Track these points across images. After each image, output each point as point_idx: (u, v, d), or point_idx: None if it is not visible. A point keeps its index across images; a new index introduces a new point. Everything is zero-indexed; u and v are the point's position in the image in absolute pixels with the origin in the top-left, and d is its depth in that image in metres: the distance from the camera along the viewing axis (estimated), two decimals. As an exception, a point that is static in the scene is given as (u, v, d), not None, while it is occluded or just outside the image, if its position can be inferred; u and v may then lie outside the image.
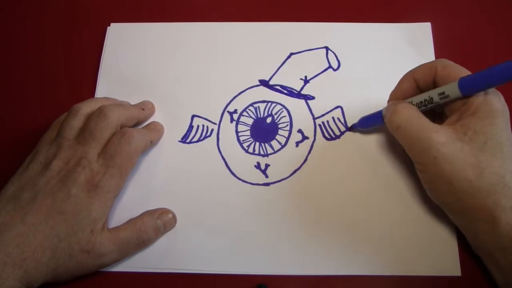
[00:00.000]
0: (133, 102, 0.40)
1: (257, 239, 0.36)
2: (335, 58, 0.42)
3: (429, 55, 0.42)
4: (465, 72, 0.32)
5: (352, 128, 0.39)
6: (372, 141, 0.39)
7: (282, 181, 0.38)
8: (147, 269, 0.35)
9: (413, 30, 0.43)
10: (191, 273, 0.35)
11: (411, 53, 0.42)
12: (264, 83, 0.42)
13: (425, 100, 0.33)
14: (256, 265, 0.35)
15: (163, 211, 0.36)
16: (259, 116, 0.41)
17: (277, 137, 0.40)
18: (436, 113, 0.35)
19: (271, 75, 0.42)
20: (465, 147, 0.30)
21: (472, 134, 0.30)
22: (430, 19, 0.44)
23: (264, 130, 0.40)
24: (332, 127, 0.40)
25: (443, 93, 0.32)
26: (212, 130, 0.40)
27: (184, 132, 0.40)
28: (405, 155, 0.37)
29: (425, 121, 0.32)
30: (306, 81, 0.42)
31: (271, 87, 0.41)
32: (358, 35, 0.43)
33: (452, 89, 0.31)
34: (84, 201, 0.32)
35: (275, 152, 0.39)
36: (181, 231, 0.36)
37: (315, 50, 0.43)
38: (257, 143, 0.39)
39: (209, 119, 0.40)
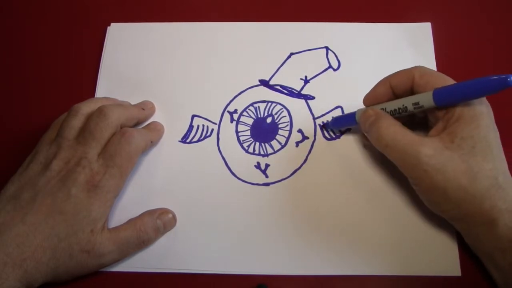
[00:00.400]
0: (133, 102, 0.40)
1: (257, 239, 0.36)
2: (335, 58, 0.42)
3: (429, 55, 0.42)
4: (443, 80, 0.32)
5: (324, 126, 0.39)
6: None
7: (282, 181, 0.38)
8: (147, 269, 0.35)
9: (413, 30, 0.43)
10: (191, 273, 0.35)
11: (411, 53, 0.42)
12: (264, 83, 0.42)
13: (399, 108, 0.33)
14: (256, 265, 0.35)
15: (163, 211, 0.36)
16: (259, 116, 0.41)
17: (277, 137, 0.40)
18: (418, 118, 0.35)
19: (271, 75, 0.42)
20: (454, 155, 0.30)
21: (460, 141, 0.30)
22: (430, 19, 0.44)
23: (264, 130, 0.40)
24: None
25: (417, 103, 0.32)
26: (212, 130, 0.40)
27: (184, 132, 0.40)
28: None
29: (410, 136, 0.31)
30: (306, 81, 0.42)
31: (271, 87, 0.41)
32: (358, 35, 0.43)
33: (426, 100, 0.31)
34: (84, 201, 0.32)
35: (275, 152, 0.39)
36: (181, 231, 0.36)
37: (315, 50, 0.43)
38: (257, 143, 0.39)
39: (209, 119, 0.40)
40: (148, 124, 0.40)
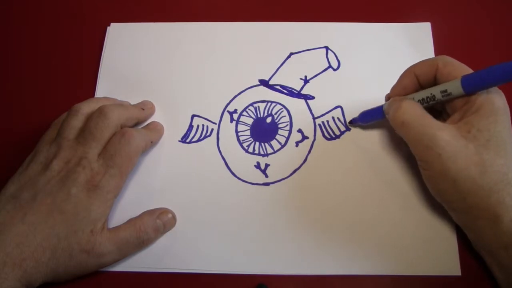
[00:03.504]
0: (133, 102, 0.40)
1: (257, 239, 0.36)
2: (335, 58, 0.42)
3: (429, 55, 0.42)
4: (466, 70, 0.32)
5: (351, 123, 0.39)
6: (372, 141, 0.39)
7: (282, 181, 0.38)
8: (147, 269, 0.35)
9: (413, 30, 0.43)
10: (191, 273, 0.35)
11: (411, 53, 0.42)
12: (264, 83, 0.42)
13: (427, 97, 0.33)
14: (256, 265, 0.35)
15: (163, 211, 0.36)
16: (259, 116, 0.41)
17: (277, 137, 0.40)
18: (436, 111, 0.35)
19: (271, 75, 0.42)
20: (469, 145, 0.30)
21: (476, 132, 0.30)
22: (430, 19, 0.44)
23: (264, 130, 0.40)
24: (332, 127, 0.40)
25: (445, 90, 0.32)
26: (212, 130, 0.40)
27: (184, 132, 0.40)
28: (404, 155, 0.38)
29: (429, 119, 0.32)
30: (306, 81, 0.42)
31: (271, 87, 0.41)
32: (358, 35, 0.43)
33: (454, 87, 0.31)
34: (84, 201, 0.32)
35: (275, 152, 0.39)
36: (181, 231, 0.36)
37: (315, 50, 0.43)
38: (257, 143, 0.39)
39: (209, 119, 0.40)
40: (148, 124, 0.40)
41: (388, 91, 0.36)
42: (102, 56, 0.43)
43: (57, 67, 0.44)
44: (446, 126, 0.31)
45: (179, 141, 0.40)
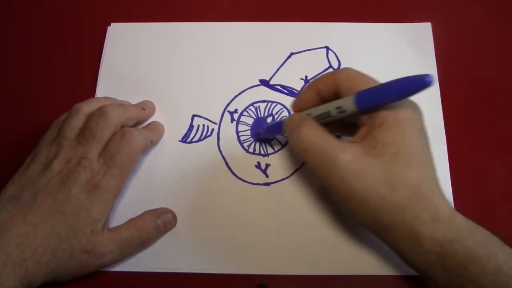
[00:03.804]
0: (133, 102, 0.40)
1: (257, 238, 0.36)
2: (336, 58, 0.42)
3: (429, 55, 0.42)
4: (367, 83, 0.29)
5: (258, 135, 0.39)
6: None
7: (283, 181, 0.38)
8: (147, 269, 0.35)
9: (413, 30, 0.43)
10: (191, 273, 0.35)
11: (411, 53, 0.42)
12: (264, 83, 0.42)
13: (323, 113, 0.31)
14: (256, 265, 0.35)
15: (164, 211, 0.36)
16: (259, 115, 0.41)
17: (278, 136, 0.40)
18: (349, 123, 0.33)
19: (271, 75, 0.42)
20: (375, 162, 0.28)
21: (381, 147, 0.28)
22: (430, 19, 0.44)
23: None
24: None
25: (340, 107, 0.30)
26: (213, 129, 0.40)
27: (185, 131, 0.40)
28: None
29: (330, 141, 0.30)
30: (306, 80, 0.42)
31: (272, 87, 0.41)
32: (358, 35, 0.43)
33: (348, 104, 0.29)
34: (84, 201, 0.32)
35: (275, 152, 0.39)
36: (181, 231, 0.36)
37: (315, 50, 0.43)
38: (258, 143, 0.39)
39: (209, 118, 0.40)
40: (148, 124, 0.40)
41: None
42: (102, 56, 0.43)
43: (57, 67, 0.44)
44: (349, 145, 0.29)
45: (179, 141, 0.40)
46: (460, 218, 0.28)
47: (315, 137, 0.30)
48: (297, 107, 0.34)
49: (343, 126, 0.34)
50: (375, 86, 0.29)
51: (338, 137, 0.34)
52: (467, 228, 0.28)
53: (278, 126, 0.36)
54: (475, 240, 0.27)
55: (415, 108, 0.30)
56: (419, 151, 0.29)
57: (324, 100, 0.32)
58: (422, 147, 0.29)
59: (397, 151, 0.28)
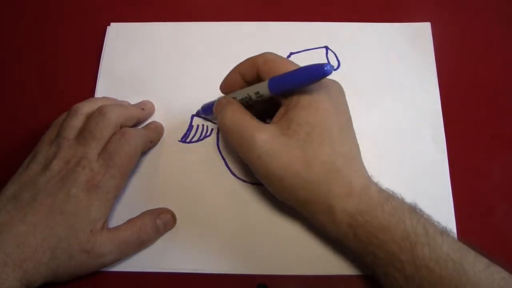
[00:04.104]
0: (133, 102, 0.40)
1: (257, 238, 0.36)
2: (335, 58, 0.42)
3: (429, 55, 0.42)
4: (285, 68, 0.31)
5: (197, 114, 0.40)
6: (371, 141, 0.39)
7: (282, 181, 0.38)
8: (147, 269, 0.35)
9: (413, 30, 0.43)
10: (191, 273, 0.35)
11: (411, 53, 0.42)
12: None
13: (245, 97, 0.33)
14: (256, 265, 0.35)
15: (163, 211, 0.36)
16: (259, 116, 0.41)
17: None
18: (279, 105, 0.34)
19: (271, 75, 0.42)
20: (290, 141, 0.30)
21: (296, 126, 0.30)
22: (430, 19, 0.44)
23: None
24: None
25: (258, 92, 0.32)
26: (212, 129, 0.40)
27: (184, 131, 0.40)
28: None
29: (249, 121, 0.31)
30: (306, 81, 0.42)
31: None
32: (358, 35, 0.43)
33: (264, 88, 0.31)
34: (84, 201, 0.32)
35: (275, 152, 0.39)
36: (181, 231, 0.36)
37: (315, 50, 0.43)
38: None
39: (209, 118, 0.40)
40: (148, 124, 0.40)
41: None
42: (102, 56, 0.43)
43: (57, 67, 0.44)
44: (266, 126, 0.31)
45: (179, 141, 0.40)
46: (373, 190, 0.30)
47: (236, 119, 0.32)
48: (223, 89, 0.36)
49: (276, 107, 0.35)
50: (286, 73, 0.30)
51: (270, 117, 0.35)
52: (378, 199, 0.30)
53: (211, 107, 0.37)
54: (384, 209, 0.29)
55: (332, 87, 0.32)
56: (333, 128, 0.30)
57: (248, 83, 0.34)
58: (338, 124, 0.30)
59: (310, 130, 0.30)
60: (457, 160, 0.38)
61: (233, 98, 0.34)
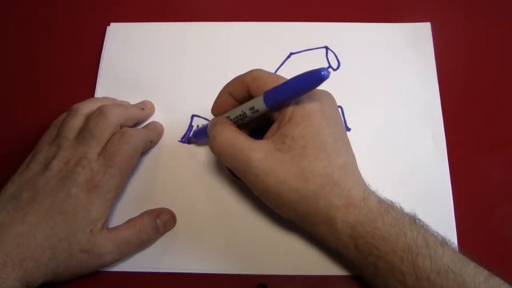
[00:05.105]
0: (133, 102, 0.40)
1: (257, 239, 0.36)
2: (335, 58, 0.42)
3: (429, 55, 0.42)
4: (277, 81, 0.30)
5: (189, 141, 0.39)
6: (371, 141, 0.39)
7: (282, 181, 0.38)
8: (147, 269, 0.35)
9: (413, 30, 0.43)
10: (191, 273, 0.35)
11: (411, 53, 0.42)
12: None
13: (240, 115, 0.32)
14: (256, 265, 0.35)
15: (163, 211, 0.36)
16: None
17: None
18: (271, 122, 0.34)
19: (271, 75, 0.42)
20: (285, 156, 0.29)
21: (290, 141, 0.30)
22: (430, 19, 0.44)
23: (264, 130, 0.40)
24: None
25: (253, 107, 0.31)
26: (212, 130, 0.40)
27: (184, 132, 0.40)
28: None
29: (242, 142, 0.31)
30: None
31: None
32: (358, 35, 0.43)
33: (259, 103, 0.30)
34: (84, 201, 0.32)
35: (275, 152, 0.39)
36: (181, 231, 0.36)
37: (315, 50, 0.43)
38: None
39: (209, 119, 0.40)
40: (148, 124, 0.40)
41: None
42: (102, 56, 0.43)
43: (57, 67, 0.44)
44: (260, 144, 0.31)
45: (179, 141, 0.40)
46: (373, 201, 0.30)
47: (226, 140, 0.31)
48: (214, 112, 0.35)
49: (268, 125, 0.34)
50: (281, 84, 0.30)
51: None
52: (379, 210, 0.30)
53: (204, 131, 0.36)
54: (385, 221, 0.29)
55: (324, 98, 0.31)
56: (328, 141, 0.30)
57: (240, 102, 0.33)
58: (332, 136, 0.30)
59: (305, 143, 0.29)
60: (457, 160, 0.38)
61: (227, 117, 0.34)
